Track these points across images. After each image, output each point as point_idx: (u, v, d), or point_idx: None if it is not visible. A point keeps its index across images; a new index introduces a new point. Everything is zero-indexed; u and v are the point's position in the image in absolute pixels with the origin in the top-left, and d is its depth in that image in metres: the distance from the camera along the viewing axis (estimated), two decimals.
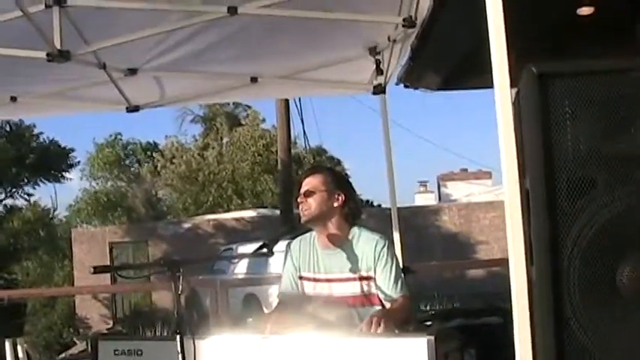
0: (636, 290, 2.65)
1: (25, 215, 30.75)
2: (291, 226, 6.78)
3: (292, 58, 6.50)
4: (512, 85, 2.70)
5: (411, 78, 6.50)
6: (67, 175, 30.51)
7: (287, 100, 21.07)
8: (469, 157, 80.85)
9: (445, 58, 6.24)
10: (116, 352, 3.92)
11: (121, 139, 40.89)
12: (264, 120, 37.60)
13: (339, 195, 4.33)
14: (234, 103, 37.90)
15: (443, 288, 20.74)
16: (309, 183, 4.36)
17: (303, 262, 4.44)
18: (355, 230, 4.34)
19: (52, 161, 29.26)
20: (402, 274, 4.32)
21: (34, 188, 29.69)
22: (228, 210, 32.36)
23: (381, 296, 4.21)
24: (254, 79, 6.79)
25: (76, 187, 49.83)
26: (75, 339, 22.50)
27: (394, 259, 4.26)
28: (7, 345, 8.33)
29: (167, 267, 3.51)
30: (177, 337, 3.42)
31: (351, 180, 4.79)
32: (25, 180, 29.06)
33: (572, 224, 2.68)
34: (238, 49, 6.12)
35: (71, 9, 4.92)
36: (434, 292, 19.51)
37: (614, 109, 2.71)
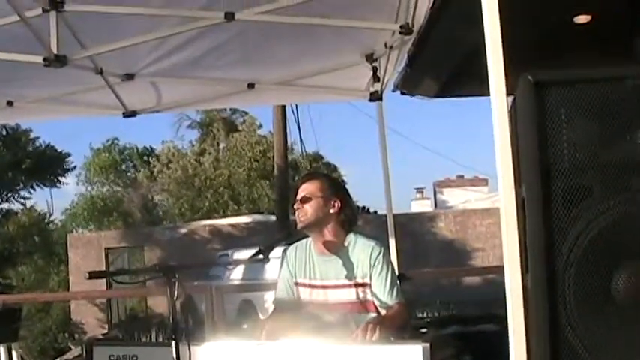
0: (632, 298, 2.65)
1: (21, 220, 30.67)
2: (287, 233, 6.75)
3: (289, 65, 6.51)
4: (508, 93, 2.71)
5: (408, 85, 6.50)
6: (63, 179, 30.44)
7: (284, 107, 21.07)
8: (465, 164, 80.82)
9: (442, 65, 6.24)
10: (111, 358, 3.91)
11: (117, 144, 40.88)
12: (260, 126, 37.68)
13: (335, 201, 4.33)
14: (231, 109, 37.96)
15: (439, 295, 20.71)
16: (306, 189, 4.36)
17: (299, 268, 4.44)
18: (351, 237, 4.34)
19: (49, 166, 29.19)
20: (398, 281, 4.32)
21: (30, 193, 29.64)
22: (225, 216, 32.32)
23: (377, 303, 4.20)
24: (251, 85, 6.81)
25: (72, 192, 49.73)
26: (70, 344, 22.45)
27: (390, 266, 4.26)
28: (2, 350, 8.31)
29: (163, 272, 3.51)
30: (173, 342, 3.42)
31: (347, 186, 4.79)
32: (21, 184, 28.98)
33: (568, 232, 2.68)
34: (235, 55, 6.13)
35: (68, 14, 4.93)
36: (429, 299, 19.48)
37: (610, 117, 2.72)
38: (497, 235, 22.96)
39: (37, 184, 29.12)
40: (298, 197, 4.35)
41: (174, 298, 3.45)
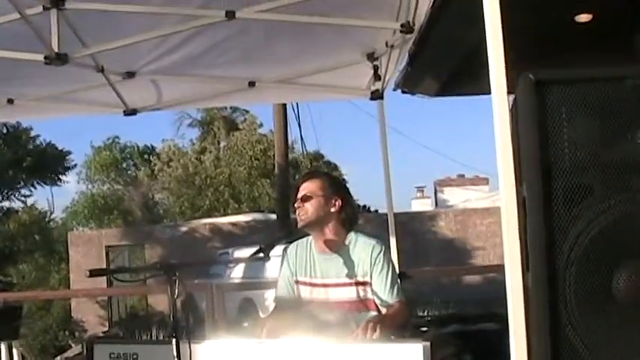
0: (632, 297, 2.65)
1: (22, 218, 30.66)
2: (288, 231, 6.76)
3: (290, 63, 6.51)
4: (509, 92, 2.71)
5: (409, 83, 6.50)
6: (63, 177, 30.48)
7: (284, 105, 21.07)
8: (466, 163, 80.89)
9: (443, 63, 6.24)
10: (112, 356, 3.92)
11: (118, 142, 40.86)
12: (261, 124, 37.67)
13: (336, 200, 4.33)
14: (231, 108, 37.92)
15: (439, 294, 20.73)
16: (307, 188, 4.36)
17: (299, 266, 4.44)
18: (352, 235, 4.34)
19: (49, 164, 29.21)
20: (399, 280, 4.32)
21: (31, 191, 29.67)
22: (225, 214, 32.31)
23: (377, 302, 4.20)
24: (252, 84, 6.80)
25: (72, 190, 49.73)
26: (70, 342, 22.45)
27: (390, 265, 4.26)
28: (3, 348, 8.31)
29: (163, 270, 3.51)
30: (174, 340, 3.42)
31: (347, 185, 4.79)
32: (22, 182, 29.01)
33: (569, 231, 2.68)
34: (236, 54, 6.12)
35: (69, 12, 4.92)
36: (430, 298, 19.48)
37: (610, 117, 2.72)
38: (497, 234, 22.99)
39: (37, 182, 29.15)
40: (299, 196, 4.35)
41: (175, 296, 3.45)
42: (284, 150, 22.57)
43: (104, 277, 19.74)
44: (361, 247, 4.27)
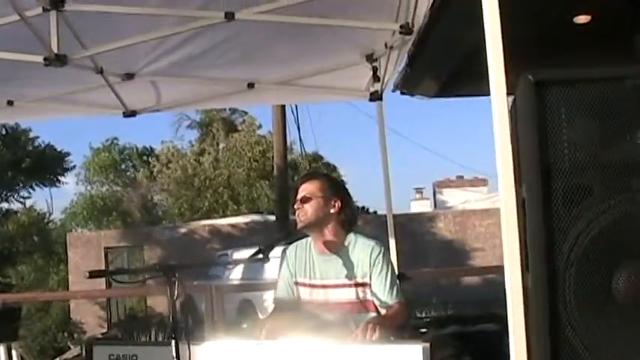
0: (632, 298, 2.65)
1: (21, 219, 30.65)
2: (287, 232, 6.75)
3: (289, 65, 6.51)
4: (508, 93, 2.71)
5: (408, 85, 6.50)
6: (62, 179, 30.43)
7: (283, 107, 21.09)
8: (465, 165, 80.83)
9: (442, 65, 6.23)
10: (111, 357, 3.91)
11: (117, 144, 40.88)
12: (260, 126, 37.70)
13: (335, 201, 4.33)
14: (230, 109, 37.97)
15: (438, 295, 20.72)
16: (306, 189, 4.36)
17: (299, 267, 4.44)
18: (351, 236, 4.34)
19: (48, 165, 29.18)
20: (398, 281, 4.32)
21: (30, 192, 29.65)
22: (224, 215, 32.33)
23: (377, 303, 4.20)
24: (251, 85, 6.81)
25: (71, 191, 49.72)
26: (69, 343, 22.43)
27: (390, 266, 4.26)
28: (2, 349, 8.31)
29: (163, 272, 3.51)
30: (173, 342, 3.42)
31: (346, 186, 4.79)
32: (21, 184, 28.99)
33: (569, 231, 2.68)
34: (235, 55, 6.13)
35: (68, 13, 4.92)
36: (429, 299, 19.48)
37: (610, 117, 2.71)
38: (496, 236, 23.01)
39: (36, 184, 29.12)
40: (298, 197, 4.36)
41: (174, 297, 3.45)
42: (283, 151, 22.59)
43: (103, 279, 19.70)
44: (360, 248, 4.27)
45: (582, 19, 5.27)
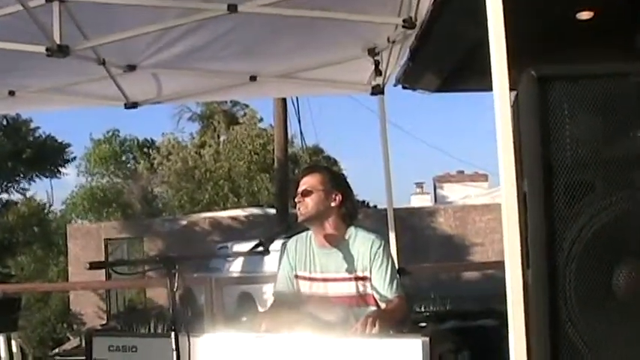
0: (632, 294, 2.65)
1: (21, 210, 30.66)
2: (287, 225, 6.75)
3: (291, 58, 6.50)
4: (510, 88, 2.70)
5: (410, 79, 6.50)
6: (63, 170, 30.43)
7: (284, 100, 21.10)
8: (466, 160, 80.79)
9: (444, 59, 6.24)
10: (111, 348, 3.92)
11: (118, 136, 40.91)
12: (261, 119, 37.73)
13: (336, 195, 4.33)
14: (231, 102, 37.98)
15: (438, 289, 20.72)
16: (307, 182, 4.36)
17: (299, 261, 4.44)
18: (352, 230, 4.34)
19: (49, 156, 29.16)
20: (398, 275, 4.32)
21: (30, 183, 29.66)
22: (225, 208, 32.34)
23: (377, 297, 4.20)
24: (253, 78, 6.80)
25: (72, 182, 49.82)
26: (68, 334, 22.45)
27: (390, 260, 4.26)
28: (1, 340, 8.32)
29: (163, 264, 3.51)
30: (172, 333, 3.42)
31: (347, 180, 4.78)
32: (21, 174, 28.98)
33: (570, 227, 2.68)
34: (238, 48, 6.12)
35: (71, 4, 4.92)
36: (429, 294, 19.49)
37: (613, 113, 2.71)
38: (496, 231, 23.05)
39: (36, 175, 29.12)
40: (299, 190, 4.35)
41: (174, 289, 3.45)
42: (283, 144, 22.60)
43: (102, 270, 19.72)
44: (361, 241, 4.27)
45: (585, 15, 5.28)
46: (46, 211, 33.45)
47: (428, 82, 6.73)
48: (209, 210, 32.12)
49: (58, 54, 4.95)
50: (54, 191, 51.80)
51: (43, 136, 29.72)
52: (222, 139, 38.48)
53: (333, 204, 4.32)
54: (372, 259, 4.20)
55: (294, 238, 4.54)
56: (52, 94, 6.88)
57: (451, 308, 16.65)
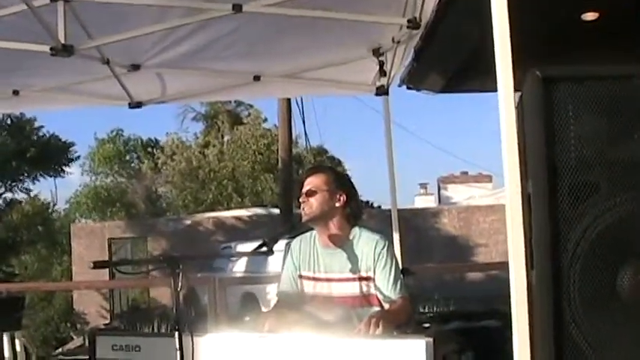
0: (637, 296, 2.65)
1: (25, 208, 30.70)
2: (291, 225, 6.75)
3: (295, 58, 6.50)
4: (515, 90, 2.70)
5: (414, 79, 6.50)
6: (67, 169, 30.45)
7: (289, 100, 21.12)
8: (470, 161, 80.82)
9: (449, 60, 6.23)
10: (114, 348, 3.92)
11: (122, 135, 40.94)
12: (265, 119, 37.74)
13: (340, 195, 4.33)
14: (236, 102, 37.97)
15: (442, 290, 20.71)
16: (311, 182, 4.35)
17: (303, 261, 4.44)
18: (356, 230, 4.34)
19: (53, 155, 29.15)
20: (402, 275, 4.32)
21: (34, 182, 29.67)
22: (228, 208, 32.35)
23: (380, 297, 4.20)
24: (257, 78, 6.80)
25: (76, 181, 49.87)
26: (72, 334, 22.48)
27: (394, 260, 4.26)
28: (5, 339, 8.32)
29: (166, 263, 3.51)
30: (176, 333, 3.42)
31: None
32: (25, 173, 28.99)
33: (574, 228, 2.67)
34: (242, 47, 6.12)
35: (76, 4, 4.93)
36: (432, 295, 19.49)
37: (617, 114, 2.71)
38: (500, 232, 23.02)
39: (40, 174, 29.12)
40: (304, 190, 4.35)
41: (178, 289, 3.45)
42: (288, 145, 22.61)
43: (106, 270, 19.75)
44: (365, 242, 4.27)
45: (590, 16, 5.27)
46: (50, 210, 33.51)
47: (432, 82, 6.73)
48: (213, 210, 32.13)
49: (62, 53, 4.95)
50: (58, 190, 51.63)
51: (47, 135, 29.73)
52: (226, 139, 38.50)
53: (337, 204, 4.32)
54: (376, 259, 4.20)
55: (298, 238, 4.54)
56: (57, 93, 6.89)
57: (455, 309, 16.66)
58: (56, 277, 29.02)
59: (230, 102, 37.43)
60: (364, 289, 4.23)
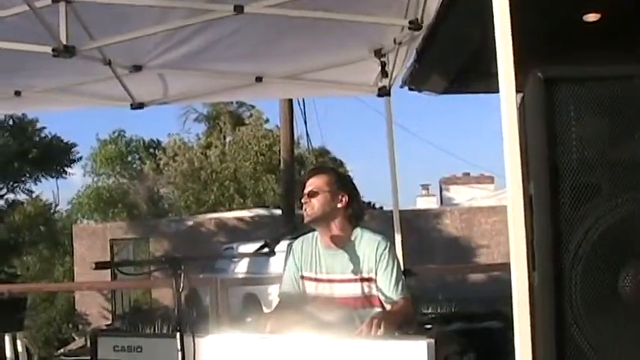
0: (639, 297, 2.64)
1: (27, 209, 30.68)
2: (293, 226, 6.76)
3: (297, 59, 6.50)
4: (517, 90, 2.70)
5: (416, 81, 6.50)
6: (69, 170, 30.39)
7: (291, 101, 21.11)
8: (472, 162, 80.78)
9: (450, 61, 6.24)
10: (116, 349, 3.92)
11: (124, 136, 40.95)
12: (267, 120, 37.73)
13: (342, 196, 4.33)
14: (237, 103, 37.97)
15: (443, 291, 20.72)
16: (313, 183, 4.36)
17: (305, 261, 4.44)
18: (358, 231, 4.34)
19: (55, 156, 29.10)
20: (403, 277, 4.32)
21: (36, 183, 29.64)
22: (230, 209, 32.35)
23: (382, 298, 4.20)
24: (259, 79, 6.80)
25: (78, 182, 49.90)
26: (74, 335, 22.48)
27: (395, 261, 4.26)
28: (7, 339, 8.32)
29: (168, 264, 3.51)
30: (178, 334, 3.42)
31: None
32: (27, 174, 28.96)
33: (576, 229, 2.67)
34: (244, 48, 6.12)
35: (77, 5, 4.93)
36: (434, 296, 19.49)
37: (619, 115, 2.70)
38: (502, 233, 23.00)
39: (42, 175, 29.09)
40: (306, 191, 4.35)
41: (180, 290, 3.44)
42: (290, 146, 22.60)
43: (108, 271, 19.76)
44: (366, 243, 4.27)
45: (592, 17, 5.27)
46: (52, 211, 33.45)
47: (434, 83, 6.73)
48: (215, 211, 32.12)
49: (64, 54, 4.96)
50: (60, 191, 51.90)
51: (49, 136, 29.67)
52: (228, 140, 38.49)
53: (339, 205, 4.32)
54: (378, 260, 4.20)
55: (300, 239, 4.54)
56: (58, 94, 6.89)
57: (457, 310, 16.65)
58: (58, 278, 28.96)
59: (232, 103, 37.45)
60: (366, 290, 4.23)
